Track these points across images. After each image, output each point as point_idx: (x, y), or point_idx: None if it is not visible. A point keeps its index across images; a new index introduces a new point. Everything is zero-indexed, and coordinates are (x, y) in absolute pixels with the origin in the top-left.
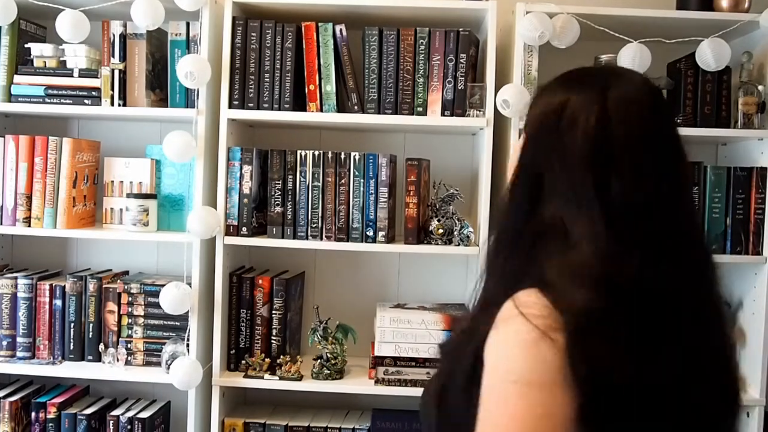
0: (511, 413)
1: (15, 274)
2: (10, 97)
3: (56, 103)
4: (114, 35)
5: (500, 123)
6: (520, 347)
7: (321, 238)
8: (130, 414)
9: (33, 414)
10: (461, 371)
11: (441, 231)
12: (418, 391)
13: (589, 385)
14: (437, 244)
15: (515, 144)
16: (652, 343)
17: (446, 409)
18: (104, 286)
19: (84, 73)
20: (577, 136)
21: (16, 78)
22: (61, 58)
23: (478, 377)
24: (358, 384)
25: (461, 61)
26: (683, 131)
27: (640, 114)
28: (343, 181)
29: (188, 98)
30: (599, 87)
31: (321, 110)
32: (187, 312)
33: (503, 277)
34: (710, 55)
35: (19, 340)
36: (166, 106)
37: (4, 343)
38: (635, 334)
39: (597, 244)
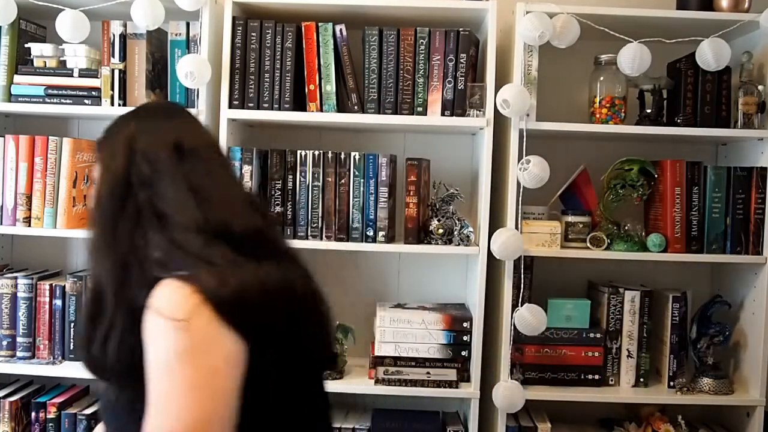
0: None
1: (15, 274)
2: (10, 97)
3: (56, 103)
4: (114, 35)
5: (500, 123)
6: None
7: (321, 238)
8: None
9: (33, 414)
10: None
11: (441, 231)
12: (418, 391)
13: None
14: (437, 243)
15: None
16: None
17: None
18: None
19: (84, 73)
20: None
21: (16, 78)
22: (61, 58)
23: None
24: (358, 384)
25: (461, 61)
26: (683, 131)
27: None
28: (343, 181)
29: (188, 98)
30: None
31: (321, 110)
32: None
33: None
34: (710, 55)
35: (19, 340)
36: None
37: (4, 343)
38: None
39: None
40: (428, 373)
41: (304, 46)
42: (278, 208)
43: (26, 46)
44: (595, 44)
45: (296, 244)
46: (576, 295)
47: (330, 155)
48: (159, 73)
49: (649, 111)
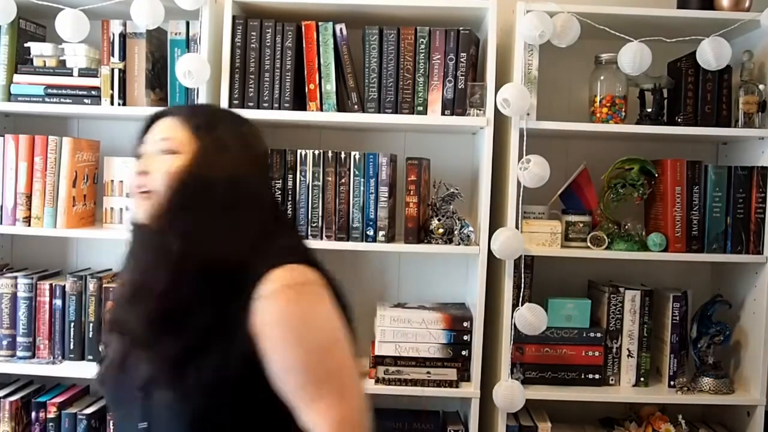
0: None
1: (15, 274)
2: (9, 97)
3: (56, 103)
4: (114, 34)
5: (500, 122)
6: None
7: (321, 238)
8: None
9: (33, 414)
10: None
11: (441, 230)
12: (418, 391)
13: None
14: (437, 243)
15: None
16: None
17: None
18: (104, 285)
19: (84, 73)
20: None
21: (16, 77)
22: (61, 58)
23: None
24: None
25: (461, 60)
26: (684, 130)
27: None
28: (343, 180)
29: (188, 98)
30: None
31: (321, 110)
32: None
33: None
34: (711, 54)
35: (19, 339)
36: (166, 106)
37: (4, 342)
38: None
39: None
40: (428, 372)
41: (304, 45)
42: None
43: (26, 45)
44: (596, 43)
45: None
46: (576, 294)
47: (330, 155)
48: (159, 73)
49: (649, 110)
